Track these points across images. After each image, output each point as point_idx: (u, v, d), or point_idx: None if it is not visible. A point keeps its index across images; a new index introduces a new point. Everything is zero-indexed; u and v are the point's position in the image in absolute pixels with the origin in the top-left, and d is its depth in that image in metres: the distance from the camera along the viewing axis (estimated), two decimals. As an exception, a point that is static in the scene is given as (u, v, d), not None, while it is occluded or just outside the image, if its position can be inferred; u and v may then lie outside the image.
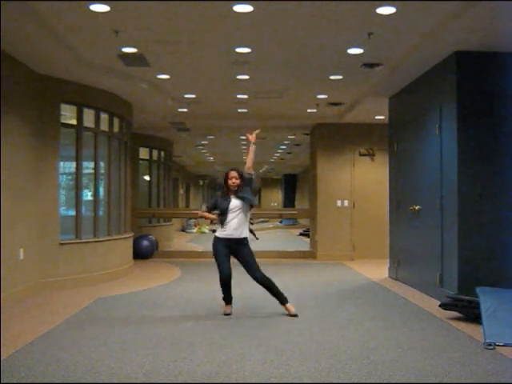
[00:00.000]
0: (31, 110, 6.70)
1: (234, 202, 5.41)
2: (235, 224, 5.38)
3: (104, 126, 8.06)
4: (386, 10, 4.74)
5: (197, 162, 21.31)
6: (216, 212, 5.56)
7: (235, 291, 5.62)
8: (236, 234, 5.39)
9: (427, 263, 6.67)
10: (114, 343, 4.39)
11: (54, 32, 5.34)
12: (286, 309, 5.43)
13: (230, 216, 5.36)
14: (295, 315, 5.34)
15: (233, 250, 5.43)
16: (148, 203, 12.86)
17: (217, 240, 5.46)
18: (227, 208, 5.37)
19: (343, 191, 10.83)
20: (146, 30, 5.38)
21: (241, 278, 5.87)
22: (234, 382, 3.49)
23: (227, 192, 5.47)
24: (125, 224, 8.75)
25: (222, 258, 5.41)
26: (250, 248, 5.50)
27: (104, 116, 8.05)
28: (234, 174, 5.49)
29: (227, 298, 5.54)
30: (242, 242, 5.43)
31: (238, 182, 5.45)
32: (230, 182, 5.46)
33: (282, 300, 5.48)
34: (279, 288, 5.53)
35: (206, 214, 5.67)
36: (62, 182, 7.51)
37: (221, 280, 5.43)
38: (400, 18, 4.95)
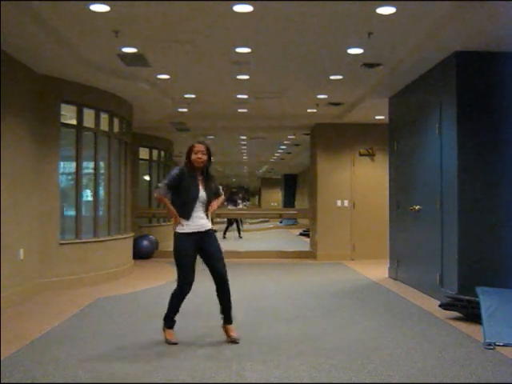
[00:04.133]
0: (31, 110, 6.70)
1: (204, 191, 4.39)
2: (202, 212, 4.39)
3: (104, 126, 8.06)
4: (386, 10, 4.74)
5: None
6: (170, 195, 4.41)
7: (237, 291, 4.99)
8: (205, 225, 4.39)
9: (427, 263, 6.67)
10: (113, 343, 4.39)
11: (54, 32, 5.34)
12: (228, 330, 4.42)
13: (197, 204, 4.35)
14: (236, 341, 4.35)
15: (199, 245, 4.36)
16: (148, 203, 12.86)
17: (182, 237, 4.32)
18: (197, 196, 4.33)
19: (343, 191, 10.83)
20: (146, 30, 5.38)
21: (239, 276, 5.84)
22: (234, 381, 3.49)
23: (192, 169, 4.36)
24: (125, 224, 8.75)
25: (189, 261, 4.32)
26: (217, 239, 4.49)
27: (104, 116, 8.05)
28: (201, 147, 4.35)
29: (172, 319, 4.43)
30: (210, 231, 4.43)
31: (204, 158, 4.35)
32: (195, 156, 4.32)
33: (229, 319, 4.45)
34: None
35: (166, 201, 4.36)
36: (61, 182, 7.51)
37: (180, 290, 4.34)
38: (400, 18, 4.95)
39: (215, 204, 4.56)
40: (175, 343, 4.33)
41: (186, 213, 4.32)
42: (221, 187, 4.71)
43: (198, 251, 4.38)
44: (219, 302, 4.45)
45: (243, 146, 16.12)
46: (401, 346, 4.29)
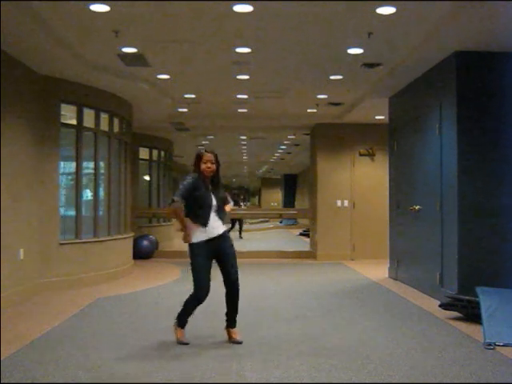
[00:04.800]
0: (31, 110, 6.70)
1: (215, 199, 4.37)
2: (215, 218, 4.35)
3: (104, 126, 8.06)
4: (386, 10, 4.74)
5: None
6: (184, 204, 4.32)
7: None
8: (218, 230, 4.37)
9: (427, 263, 6.67)
10: (113, 343, 4.40)
11: (54, 32, 5.34)
12: (231, 333, 4.44)
13: (211, 211, 4.34)
14: (240, 342, 4.36)
15: (215, 251, 4.35)
16: (148, 203, 12.87)
17: (197, 247, 4.30)
18: (211, 203, 4.32)
19: (343, 191, 10.83)
20: (146, 30, 5.38)
21: (239, 276, 5.80)
22: (234, 382, 3.50)
23: (201, 178, 4.33)
24: (125, 224, 8.75)
25: (204, 270, 4.29)
26: (232, 244, 4.48)
27: (104, 116, 8.05)
28: (210, 156, 4.33)
29: (185, 320, 4.43)
30: (225, 235, 4.42)
31: (213, 167, 4.35)
32: (204, 166, 4.31)
33: (234, 322, 4.48)
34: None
35: (181, 215, 4.29)
36: (61, 182, 7.51)
37: (196, 297, 4.30)
38: (400, 18, 4.95)
39: (227, 209, 4.60)
40: (186, 343, 4.33)
41: (202, 220, 4.29)
42: (227, 194, 4.71)
43: (213, 256, 4.36)
44: (226, 304, 4.46)
45: (243, 145, 16.13)
46: (401, 346, 4.29)
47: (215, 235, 4.33)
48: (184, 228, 4.32)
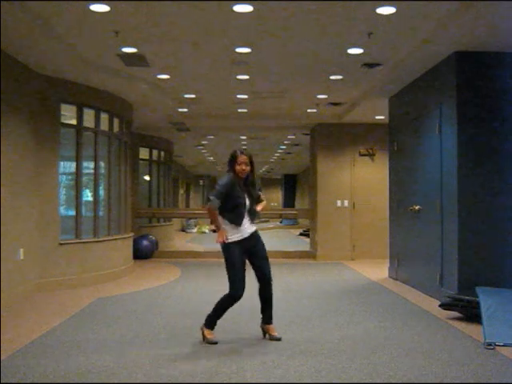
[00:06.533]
0: (31, 110, 6.70)
1: (248, 199, 4.45)
2: (247, 218, 4.43)
3: (104, 126, 8.06)
4: (386, 10, 4.74)
5: (197, 162, 21.31)
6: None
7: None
8: (250, 229, 4.44)
9: (427, 263, 6.67)
10: (113, 343, 4.39)
11: (54, 32, 5.34)
12: (269, 330, 4.52)
13: (245, 212, 4.43)
14: (279, 339, 4.45)
15: (247, 249, 4.41)
16: (148, 203, 12.87)
17: (232, 246, 4.33)
18: (244, 203, 4.38)
19: (343, 191, 10.83)
20: (146, 30, 5.38)
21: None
22: (234, 381, 3.50)
23: (235, 178, 4.42)
24: (125, 224, 8.75)
25: (240, 271, 4.31)
26: (262, 239, 4.54)
27: (104, 116, 8.06)
28: (244, 158, 4.39)
29: (215, 322, 4.45)
30: (256, 233, 4.49)
31: (248, 168, 4.42)
32: (238, 167, 4.39)
33: (270, 318, 4.55)
34: None
35: (216, 216, 4.36)
36: (61, 182, 7.51)
37: (232, 297, 4.31)
38: (400, 18, 4.95)
39: (259, 208, 4.61)
40: (215, 342, 4.34)
41: (237, 220, 4.35)
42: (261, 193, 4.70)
43: (245, 255, 4.41)
44: (261, 301, 4.54)
45: (243, 146, 16.12)
46: (401, 346, 4.29)
47: (247, 235, 4.41)
48: (218, 228, 4.39)
